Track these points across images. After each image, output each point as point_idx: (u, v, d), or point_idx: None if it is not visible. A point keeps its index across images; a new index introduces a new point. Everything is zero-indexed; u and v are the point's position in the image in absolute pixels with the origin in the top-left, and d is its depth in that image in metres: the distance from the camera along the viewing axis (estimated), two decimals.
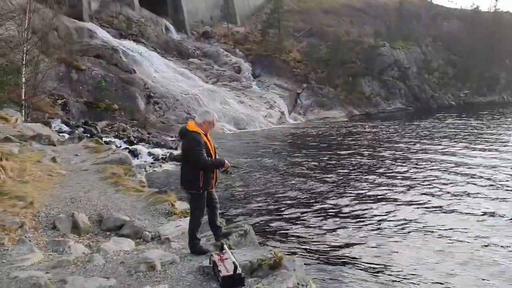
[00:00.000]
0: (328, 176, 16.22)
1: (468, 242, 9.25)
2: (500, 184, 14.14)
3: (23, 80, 19.55)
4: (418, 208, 11.88)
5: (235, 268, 4.48)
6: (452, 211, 11.51)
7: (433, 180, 15.02)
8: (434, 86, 53.17)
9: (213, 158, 5.40)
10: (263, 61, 45.70)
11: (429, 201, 12.47)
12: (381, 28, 58.25)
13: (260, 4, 58.29)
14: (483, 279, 7.53)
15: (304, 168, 17.94)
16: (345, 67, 47.45)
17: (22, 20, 18.98)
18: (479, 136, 25.96)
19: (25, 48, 19.16)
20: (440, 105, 50.36)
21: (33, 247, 5.57)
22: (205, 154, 5.23)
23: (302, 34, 52.46)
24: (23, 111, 19.64)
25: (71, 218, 6.91)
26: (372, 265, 8.29)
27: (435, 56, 56.73)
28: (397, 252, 8.90)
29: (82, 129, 23.75)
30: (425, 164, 17.82)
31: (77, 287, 4.41)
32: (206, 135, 5.42)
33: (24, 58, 19.33)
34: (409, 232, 10.08)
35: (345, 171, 17.20)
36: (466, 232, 9.90)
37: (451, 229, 10.12)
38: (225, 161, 5.43)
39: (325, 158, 20.21)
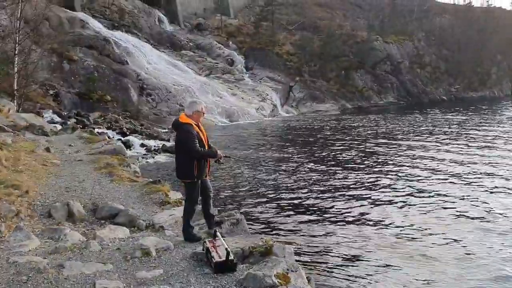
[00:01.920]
0: (318, 167, 16.40)
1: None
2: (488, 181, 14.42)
3: (15, 70, 19.46)
4: (400, 201, 12.15)
5: (228, 254, 4.66)
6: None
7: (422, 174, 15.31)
8: (426, 81, 53.55)
9: (206, 147, 5.58)
10: (256, 54, 45.70)
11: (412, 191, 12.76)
12: (374, 22, 58.40)
13: None
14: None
15: (294, 160, 18.12)
16: (338, 61, 47.62)
17: (15, 9, 18.86)
18: (467, 132, 26.29)
19: (17, 38, 19.05)
20: (432, 99, 50.73)
21: (30, 234, 5.69)
22: (198, 144, 5.40)
23: (295, 27, 52.47)
24: (16, 101, 19.57)
25: (66, 207, 7.04)
26: (358, 253, 8.51)
27: (427, 50, 57.04)
28: (393, 244, 9.13)
29: (74, 120, 23.73)
30: (412, 158, 18.13)
31: (74, 271, 4.56)
32: (198, 126, 5.59)
33: (16, 48, 19.22)
34: (395, 222, 10.33)
35: (335, 163, 17.40)
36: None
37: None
38: (218, 151, 5.63)
39: (316, 150, 20.41)
